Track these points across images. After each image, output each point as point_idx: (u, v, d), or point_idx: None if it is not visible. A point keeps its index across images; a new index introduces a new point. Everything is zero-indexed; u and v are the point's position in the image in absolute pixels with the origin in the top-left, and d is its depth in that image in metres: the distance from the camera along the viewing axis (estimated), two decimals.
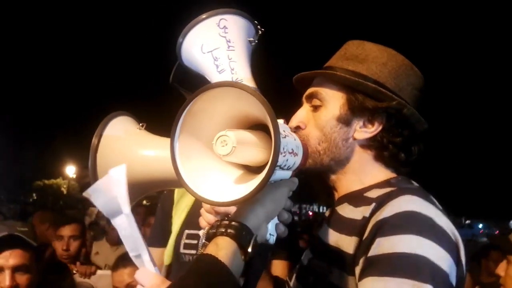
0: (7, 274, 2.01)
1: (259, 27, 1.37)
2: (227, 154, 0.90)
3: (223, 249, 0.92)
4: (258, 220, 1.01)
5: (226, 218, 1.03)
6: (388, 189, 1.24)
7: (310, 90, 1.40)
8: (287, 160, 1.01)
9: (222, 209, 1.18)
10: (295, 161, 1.08)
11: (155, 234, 2.03)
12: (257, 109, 0.93)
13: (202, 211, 1.26)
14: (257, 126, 1.05)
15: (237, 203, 0.95)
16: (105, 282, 2.99)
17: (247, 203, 1.02)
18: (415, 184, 1.32)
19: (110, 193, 1.05)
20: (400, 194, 1.17)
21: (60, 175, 35.30)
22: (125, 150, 1.22)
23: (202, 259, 0.92)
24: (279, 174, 1.04)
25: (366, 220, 1.17)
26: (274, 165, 0.88)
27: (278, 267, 2.02)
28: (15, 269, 2.04)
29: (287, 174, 1.09)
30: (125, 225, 1.05)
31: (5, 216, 4.44)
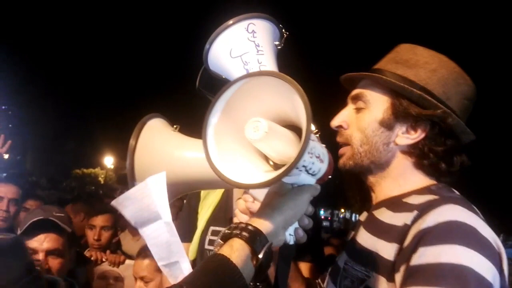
0: (40, 257, 2.08)
1: (284, 30, 1.37)
2: (258, 139, 0.92)
3: (237, 251, 0.93)
4: (275, 227, 1.00)
5: (241, 221, 1.02)
6: (429, 196, 1.23)
7: (356, 91, 1.40)
8: (313, 164, 1.02)
9: (256, 208, 1.17)
10: (321, 168, 1.07)
11: (181, 229, 2.05)
12: (292, 103, 0.93)
13: (237, 211, 1.26)
14: (290, 127, 1.06)
15: (262, 186, 0.95)
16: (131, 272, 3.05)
17: (266, 209, 1.02)
18: (457, 193, 1.30)
19: (143, 202, 1.06)
20: (443, 203, 1.16)
21: (98, 165, 36.25)
22: (161, 151, 1.24)
23: (216, 259, 0.93)
24: (303, 178, 1.05)
25: (407, 227, 1.16)
26: (298, 160, 0.88)
27: (303, 270, 2.02)
28: (48, 253, 2.11)
29: (311, 180, 1.09)
30: (158, 233, 1.06)
31: (45, 201, 4.56)
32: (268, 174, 0.98)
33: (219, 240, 1.00)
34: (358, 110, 1.38)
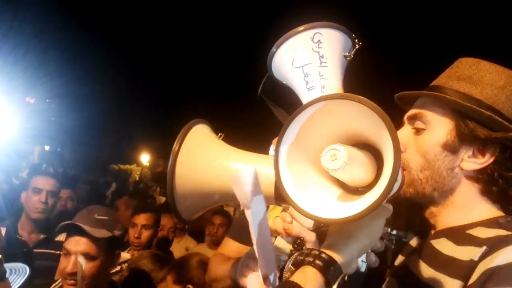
0: (72, 259, 2.12)
1: (356, 41, 1.29)
2: (337, 169, 0.86)
3: (311, 281, 0.90)
4: (349, 257, 0.96)
5: (314, 248, 0.98)
6: (499, 231, 1.12)
7: (414, 111, 1.31)
8: None
9: (296, 231, 1.13)
10: (394, 187, 1.01)
11: (239, 229, 1.98)
12: (372, 127, 0.89)
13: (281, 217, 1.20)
14: (360, 145, 1.01)
15: (340, 223, 0.91)
16: None
17: (340, 237, 0.98)
18: None
19: (243, 187, 1.03)
20: None
21: (135, 161, 36.96)
22: (204, 158, 1.22)
23: (289, 287, 0.90)
24: None
25: (474, 263, 1.06)
26: (389, 191, 0.84)
27: None
28: None
29: None
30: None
31: (75, 192, 4.66)
32: (346, 206, 0.92)
33: (290, 266, 0.97)
34: (417, 131, 1.29)
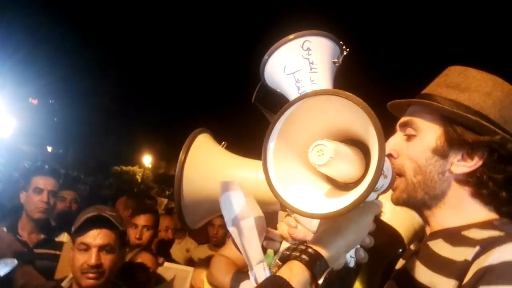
0: (93, 253, 2.16)
1: (344, 47, 1.34)
2: (323, 165, 0.87)
3: (297, 275, 0.91)
4: (336, 252, 0.97)
5: (304, 243, 0.99)
6: (492, 232, 1.14)
7: (405, 118, 1.35)
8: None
9: (301, 235, 1.14)
10: (384, 183, 1.04)
11: None
12: (358, 122, 0.90)
13: (281, 224, 1.22)
14: (350, 141, 1.03)
15: (325, 217, 0.92)
16: (170, 275, 3.13)
17: (327, 232, 0.99)
18: None
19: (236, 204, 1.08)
20: (508, 241, 1.07)
21: (137, 163, 36.98)
22: (212, 167, 1.24)
23: (275, 281, 0.91)
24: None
25: (468, 263, 1.07)
26: (374, 184, 0.84)
27: None
28: (100, 248, 2.18)
29: (373, 196, 1.05)
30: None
31: (79, 193, 4.63)
32: (333, 201, 0.93)
33: (277, 261, 0.99)
34: (408, 137, 1.32)
